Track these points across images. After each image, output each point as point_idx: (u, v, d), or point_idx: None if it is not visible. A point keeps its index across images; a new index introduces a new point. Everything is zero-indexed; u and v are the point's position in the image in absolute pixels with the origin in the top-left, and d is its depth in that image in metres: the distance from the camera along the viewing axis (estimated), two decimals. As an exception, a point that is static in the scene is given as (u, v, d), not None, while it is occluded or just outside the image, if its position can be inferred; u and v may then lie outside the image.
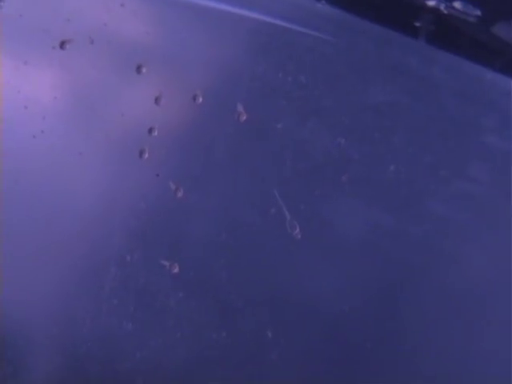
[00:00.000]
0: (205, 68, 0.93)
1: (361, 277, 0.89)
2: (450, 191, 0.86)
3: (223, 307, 0.94)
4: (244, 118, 0.91)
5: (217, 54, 0.92)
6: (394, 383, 0.89)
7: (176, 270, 0.96)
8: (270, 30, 0.90)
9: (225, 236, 0.93)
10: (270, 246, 0.92)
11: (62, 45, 0.96)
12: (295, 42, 0.89)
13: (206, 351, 0.95)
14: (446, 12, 0.88)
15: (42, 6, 0.98)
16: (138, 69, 0.95)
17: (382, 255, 0.88)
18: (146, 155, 0.95)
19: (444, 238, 0.86)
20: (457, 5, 0.88)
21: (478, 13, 0.88)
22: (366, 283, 0.89)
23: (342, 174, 0.88)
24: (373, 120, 0.87)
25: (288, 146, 0.90)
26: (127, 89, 0.96)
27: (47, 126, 0.97)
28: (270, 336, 0.92)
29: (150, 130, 0.95)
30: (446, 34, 0.89)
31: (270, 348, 0.92)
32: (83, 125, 0.97)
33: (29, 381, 1.03)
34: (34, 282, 1.02)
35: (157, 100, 0.94)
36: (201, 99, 0.93)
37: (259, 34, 0.91)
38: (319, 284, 0.91)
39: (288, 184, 0.90)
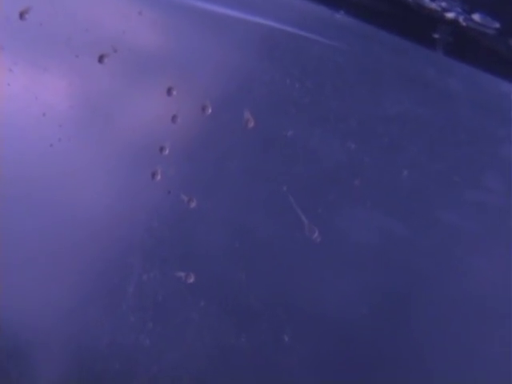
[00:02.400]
0: (215, 77, 0.93)
1: (372, 281, 0.89)
2: (463, 201, 0.86)
3: (241, 313, 0.94)
4: (252, 125, 0.91)
5: (228, 61, 0.93)
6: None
7: (192, 279, 0.96)
8: (285, 38, 0.90)
9: (240, 243, 0.93)
10: (287, 251, 0.92)
11: (83, 54, 0.97)
12: (309, 50, 0.89)
13: (225, 358, 0.95)
14: (464, 24, 0.88)
15: (63, 15, 0.98)
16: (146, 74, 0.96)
17: (394, 261, 0.88)
18: (159, 176, 0.96)
19: (455, 247, 0.86)
20: (476, 17, 0.88)
21: (497, 25, 0.87)
22: (378, 287, 0.89)
23: (355, 178, 0.88)
24: (385, 128, 0.87)
25: (300, 152, 0.90)
26: (141, 95, 0.96)
27: (64, 134, 0.98)
28: (286, 340, 0.92)
29: (161, 149, 0.95)
30: (464, 45, 0.88)
31: (287, 351, 0.92)
32: (98, 134, 0.98)
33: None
34: (51, 298, 1.02)
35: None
36: (210, 110, 0.93)
37: (272, 42, 0.91)
38: (334, 289, 0.91)
39: (302, 189, 0.90)
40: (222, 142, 0.93)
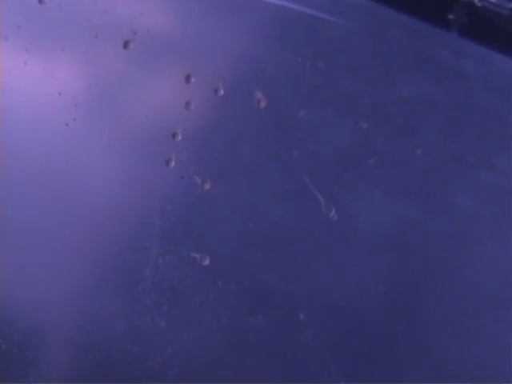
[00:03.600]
0: (227, 58, 0.93)
1: (387, 260, 0.89)
2: (477, 182, 0.85)
3: (258, 292, 0.95)
4: (264, 105, 0.92)
5: (240, 42, 0.93)
6: (414, 375, 0.88)
7: (207, 261, 0.96)
8: (298, 18, 0.90)
9: (255, 224, 0.94)
10: (304, 229, 0.92)
11: (102, 34, 0.97)
12: (322, 30, 0.89)
13: (241, 337, 0.96)
14: (479, 5, 0.87)
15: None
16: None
17: (408, 241, 0.88)
18: (173, 163, 0.96)
19: (469, 229, 0.86)
20: (491, -3, 0.87)
21: (512, 6, 0.87)
22: (392, 266, 0.89)
23: (369, 157, 0.88)
24: (398, 108, 0.87)
25: (312, 132, 0.90)
26: (158, 80, 0.97)
27: (79, 114, 0.98)
28: (302, 317, 0.92)
29: (174, 135, 0.96)
30: (479, 26, 0.88)
31: (302, 329, 0.93)
32: (113, 116, 0.98)
33: (61, 377, 1.04)
34: (67, 280, 1.03)
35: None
36: (222, 92, 0.93)
37: (284, 22, 0.91)
38: (349, 267, 0.91)
39: (316, 169, 0.90)
40: (234, 123, 0.94)
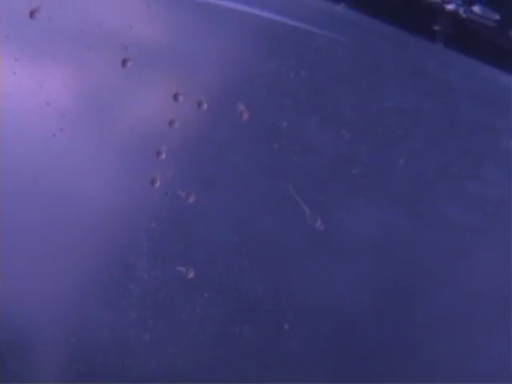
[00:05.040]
0: (211, 70, 0.94)
1: (373, 270, 0.89)
2: (462, 192, 0.85)
3: (244, 303, 0.94)
4: (246, 117, 0.92)
5: (224, 54, 0.93)
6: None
7: (192, 274, 0.96)
8: (283, 30, 0.90)
9: (241, 235, 0.93)
10: (290, 240, 0.92)
11: (95, 45, 0.97)
12: (306, 41, 0.89)
13: (227, 348, 0.96)
14: (464, 16, 0.88)
15: (73, 9, 0.99)
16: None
17: (394, 251, 0.88)
18: (158, 183, 0.96)
19: (455, 238, 0.86)
20: (476, 9, 0.88)
21: (497, 17, 0.87)
22: (378, 276, 0.89)
23: (353, 167, 0.88)
24: (382, 118, 0.87)
25: (296, 143, 0.90)
26: (146, 93, 0.97)
27: (66, 124, 0.98)
28: (286, 327, 0.92)
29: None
30: (464, 37, 0.88)
31: (286, 339, 0.92)
32: (100, 128, 0.98)
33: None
34: (51, 293, 1.03)
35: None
36: (206, 105, 0.94)
37: (269, 34, 0.91)
38: (335, 277, 0.91)
39: (301, 179, 0.90)
40: (217, 136, 0.94)
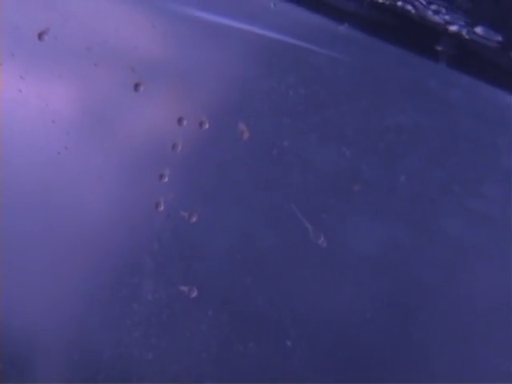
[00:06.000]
0: (213, 90, 0.94)
1: (375, 287, 0.89)
2: (462, 210, 0.86)
3: (248, 320, 0.95)
4: (247, 136, 0.92)
5: (226, 73, 0.94)
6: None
7: (195, 293, 0.96)
8: (284, 48, 0.91)
9: (243, 253, 0.94)
10: (292, 257, 0.92)
11: (102, 63, 0.98)
12: (307, 60, 0.90)
13: (229, 365, 0.96)
14: (467, 37, 0.89)
15: (80, 29, 1.00)
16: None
17: (396, 267, 0.89)
18: (162, 207, 0.97)
19: (456, 255, 0.86)
20: (478, 30, 0.89)
21: (499, 38, 0.88)
22: (381, 293, 0.89)
23: (354, 184, 0.88)
24: (383, 136, 0.88)
25: (296, 161, 0.91)
26: (152, 112, 0.98)
27: (71, 142, 0.99)
28: (289, 344, 0.92)
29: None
30: (466, 57, 0.89)
31: (289, 356, 0.93)
32: (104, 146, 0.99)
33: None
34: (53, 309, 1.03)
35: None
36: (207, 125, 0.94)
37: (271, 53, 0.92)
38: (338, 294, 0.91)
39: (302, 197, 0.91)
40: (218, 156, 0.94)
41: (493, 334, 0.86)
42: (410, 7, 0.90)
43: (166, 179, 0.96)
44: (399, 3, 0.90)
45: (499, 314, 0.85)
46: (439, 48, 0.89)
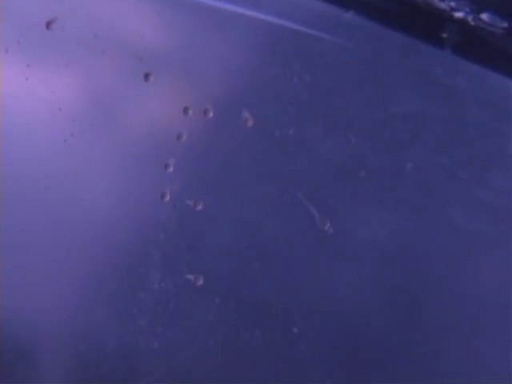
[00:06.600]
0: (217, 78, 0.94)
1: (381, 274, 0.89)
2: (468, 198, 0.86)
3: (255, 308, 0.95)
4: (251, 124, 0.92)
5: (230, 60, 0.94)
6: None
7: (201, 282, 0.96)
8: (290, 35, 0.91)
9: (249, 241, 0.94)
10: (299, 244, 0.92)
11: (109, 50, 0.98)
12: (313, 47, 0.90)
13: (237, 354, 0.96)
14: (473, 24, 0.88)
15: (87, 18, 1.00)
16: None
17: (402, 255, 0.89)
18: (168, 197, 0.97)
19: (461, 243, 0.86)
20: (484, 17, 0.88)
21: (505, 25, 0.88)
22: (387, 280, 0.90)
23: (360, 170, 0.88)
24: (388, 123, 0.88)
25: (301, 148, 0.91)
26: (156, 100, 0.98)
27: (77, 129, 0.99)
28: (295, 331, 0.92)
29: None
30: (472, 44, 0.89)
31: (295, 343, 0.93)
32: (109, 133, 0.99)
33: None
34: (58, 299, 1.04)
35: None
36: (212, 113, 0.94)
37: (276, 39, 0.92)
38: (345, 281, 0.91)
39: (308, 184, 0.91)
40: (223, 144, 0.94)
41: (500, 324, 0.86)
42: (415, -6, 0.90)
43: (172, 169, 0.96)
44: (405, -10, 0.90)
45: (504, 303, 0.85)
46: (445, 35, 0.89)
